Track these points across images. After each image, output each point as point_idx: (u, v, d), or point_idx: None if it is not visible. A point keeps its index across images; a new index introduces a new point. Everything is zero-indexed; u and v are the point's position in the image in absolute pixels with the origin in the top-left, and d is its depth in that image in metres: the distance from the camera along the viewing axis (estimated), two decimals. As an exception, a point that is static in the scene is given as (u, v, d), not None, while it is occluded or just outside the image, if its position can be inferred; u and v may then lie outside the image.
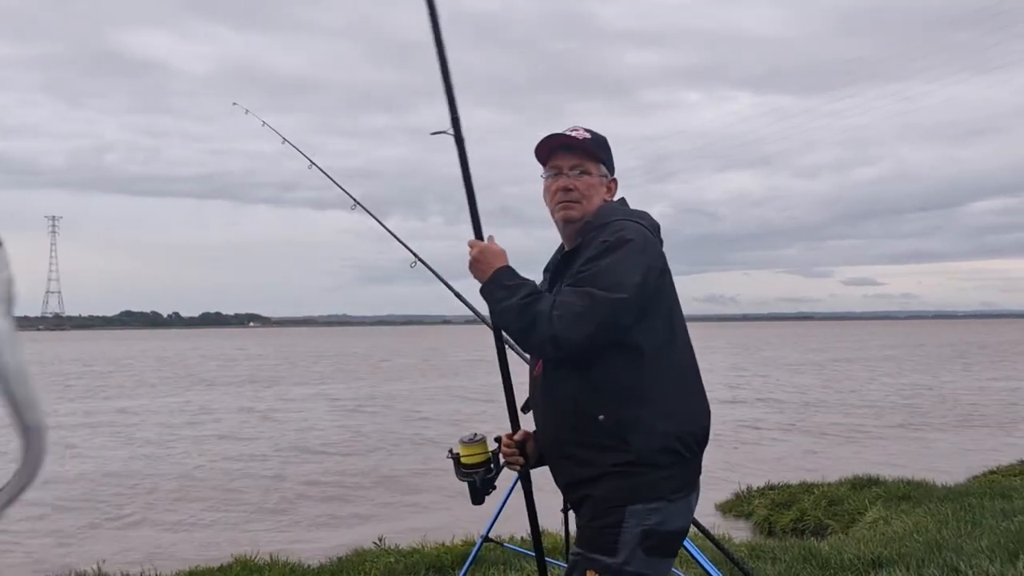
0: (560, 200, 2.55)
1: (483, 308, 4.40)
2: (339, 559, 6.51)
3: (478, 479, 2.81)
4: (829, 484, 9.04)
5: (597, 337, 2.31)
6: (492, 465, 2.84)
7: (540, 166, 2.62)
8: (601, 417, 2.36)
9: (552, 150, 2.59)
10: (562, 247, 2.65)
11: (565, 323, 2.29)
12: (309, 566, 6.36)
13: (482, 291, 2.49)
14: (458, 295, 4.23)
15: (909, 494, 8.01)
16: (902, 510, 7.32)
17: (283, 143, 4.58)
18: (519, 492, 4.36)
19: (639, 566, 2.32)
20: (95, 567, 6.72)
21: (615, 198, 2.65)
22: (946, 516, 6.62)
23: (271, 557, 6.61)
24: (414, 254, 4.24)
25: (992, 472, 10.20)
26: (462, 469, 2.83)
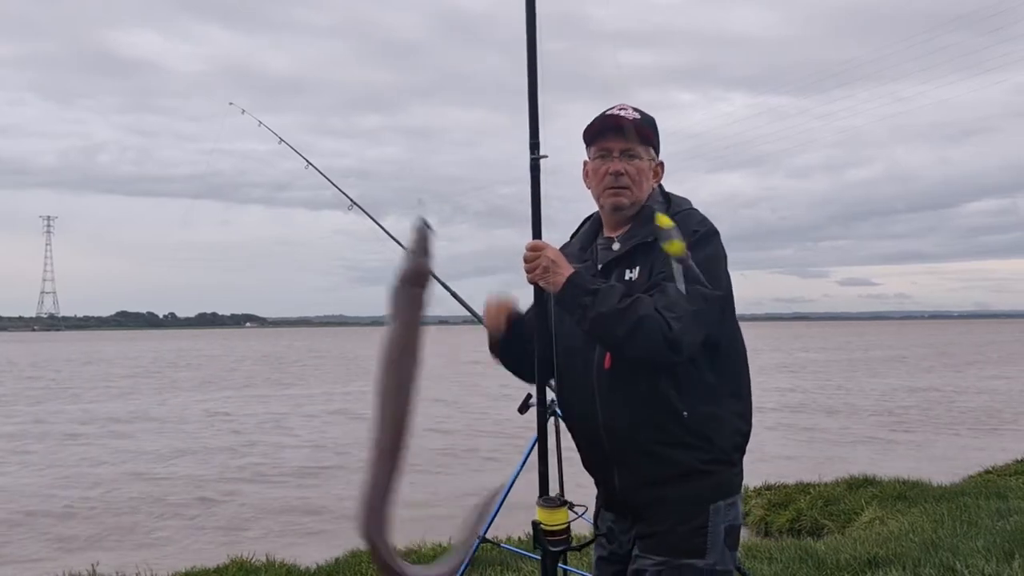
0: (610, 185, 2.41)
1: (480, 308, 4.42)
2: (335, 559, 6.50)
3: (563, 548, 2.38)
4: (825, 484, 9.04)
5: (708, 337, 2.23)
6: (570, 532, 2.40)
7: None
8: (686, 414, 2.26)
9: (601, 131, 2.43)
10: (592, 227, 2.54)
11: (685, 324, 2.16)
12: (305, 567, 6.35)
13: (562, 299, 2.28)
14: (455, 295, 4.24)
15: (905, 494, 8.01)
16: (898, 510, 7.32)
17: (280, 143, 4.58)
18: (516, 492, 4.37)
19: (726, 563, 2.29)
20: (89, 568, 6.70)
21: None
22: (942, 516, 6.63)
23: (267, 558, 6.60)
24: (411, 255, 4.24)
25: (988, 472, 10.20)
26: (548, 540, 2.37)
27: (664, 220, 2.16)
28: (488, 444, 15.61)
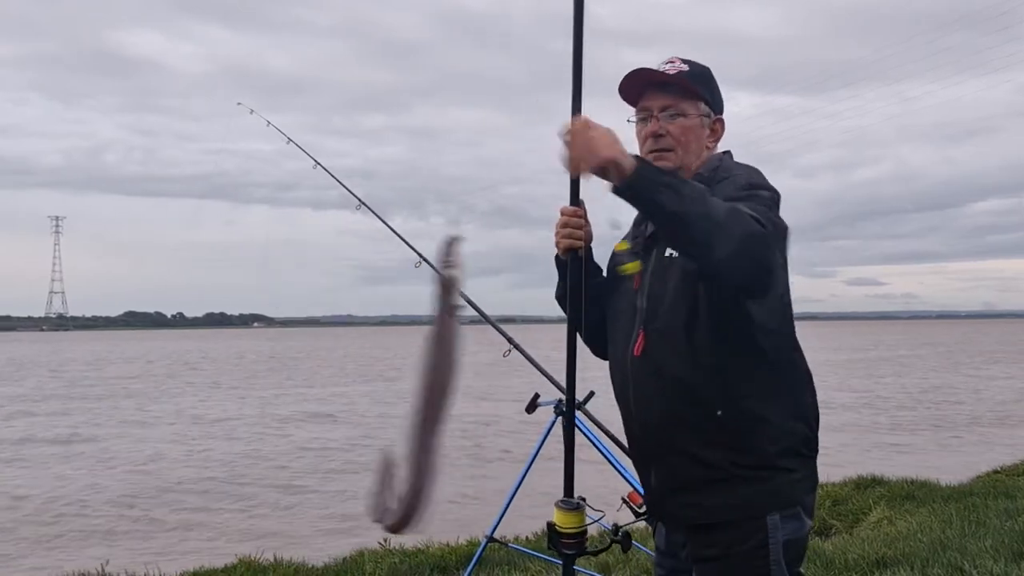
0: (651, 149, 2.13)
1: (488, 308, 4.43)
2: (343, 559, 6.51)
3: (575, 552, 2.30)
4: (833, 484, 9.01)
5: (771, 268, 1.89)
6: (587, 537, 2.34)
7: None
8: (719, 413, 1.99)
9: (641, 88, 2.15)
10: None
11: (775, 234, 1.88)
12: (313, 566, 6.36)
13: (637, 179, 1.79)
14: (463, 295, 4.24)
15: (913, 494, 7.99)
16: (906, 510, 7.30)
17: (288, 143, 4.59)
18: (523, 494, 4.38)
19: None
20: (99, 567, 6.72)
21: (720, 149, 2.21)
22: (950, 516, 6.61)
23: (275, 557, 6.61)
24: (419, 255, 4.26)
25: (996, 472, 10.17)
26: (561, 540, 2.30)
27: None
28: (499, 444, 15.61)
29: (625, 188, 1.82)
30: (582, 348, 2.40)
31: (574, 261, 2.27)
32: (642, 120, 2.18)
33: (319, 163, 4.49)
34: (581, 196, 2.29)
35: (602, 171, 1.82)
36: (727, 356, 2.00)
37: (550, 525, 2.31)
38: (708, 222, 1.78)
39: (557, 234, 2.26)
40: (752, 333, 2.01)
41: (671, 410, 2.05)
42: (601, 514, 2.37)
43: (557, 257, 2.32)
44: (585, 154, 1.82)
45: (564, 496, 2.34)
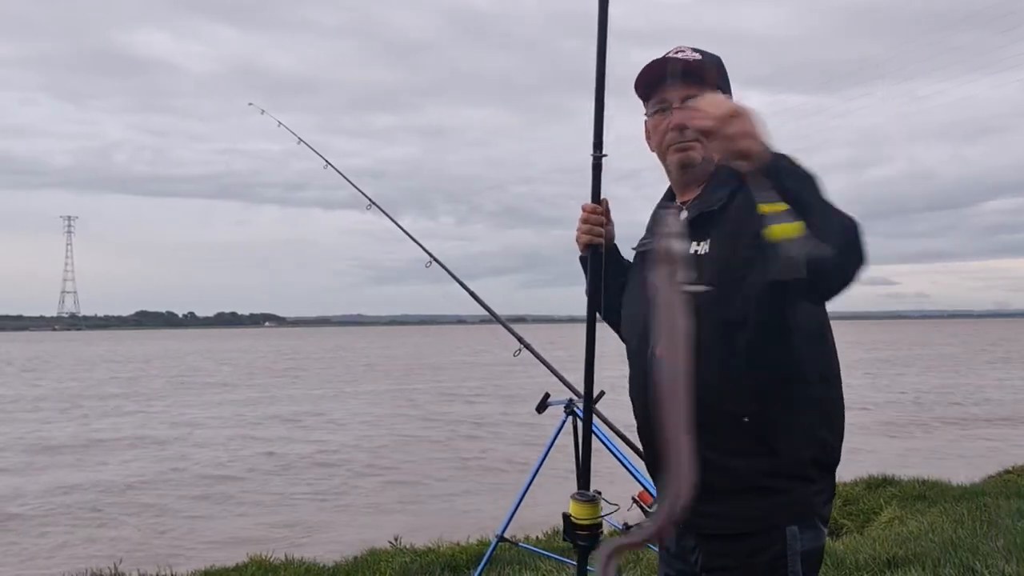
0: (673, 142, 2.03)
1: (497, 308, 4.44)
2: (354, 558, 6.53)
3: (589, 544, 2.33)
4: (844, 484, 8.99)
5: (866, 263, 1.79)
6: (602, 530, 2.37)
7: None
8: (746, 419, 1.89)
9: (657, 80, 2.04)
10: (666, 197, 2.20)
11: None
12: (324, 565, 6.38)
13: (778, 168, 1.66)
14: (474, 295, 4.25)
15: (924, 494, 7.97)
16: (917, 510, 7.28)
17: (299, 143, 4.61)
18: (531, 494, 4.38)
19: None
20: (111, 566, 6.75)
21: None
22: (961, 516, 6.59)
23: (286, 556, 6.63)
24: (430, 255, 4.26)
25: (1008, 472, 10.12)
26: (576, 532, 2.34)
27: (768, 208, 1.66)
28: (510, 444, 15.62)
29: (766, 171, 1.67)
30: (600, 344, 2.40)
31: (594, 257, 2.27)
32: (660, 112, 2.07)
33: (330, 163, 4.50)
34: (604, 195, 2.28)
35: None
36: (762, 363, 1.89)
37: (565, 516, 2.35)
38: (839, 225, 1.69)
39: (578, 230, 2.25)
40: (792, 341, 1.92)
41: (695, 414, 1.90)
42: (616, 507, 2.38)
43: (582, 257, 2.31)
44: (749, 142, 1.65)
45: (579, 488, 2.38)
